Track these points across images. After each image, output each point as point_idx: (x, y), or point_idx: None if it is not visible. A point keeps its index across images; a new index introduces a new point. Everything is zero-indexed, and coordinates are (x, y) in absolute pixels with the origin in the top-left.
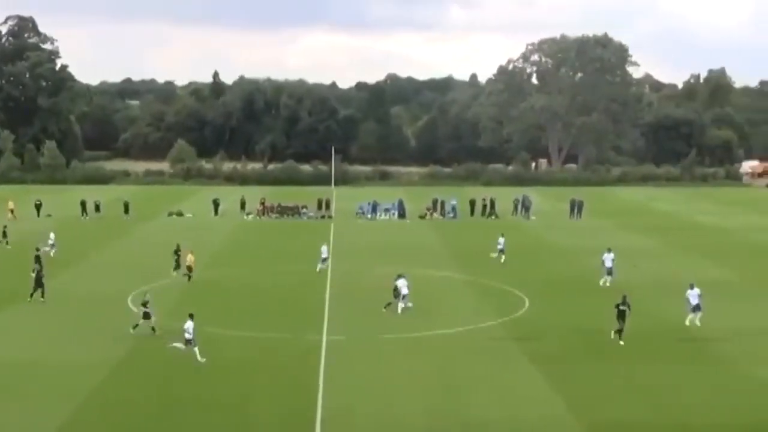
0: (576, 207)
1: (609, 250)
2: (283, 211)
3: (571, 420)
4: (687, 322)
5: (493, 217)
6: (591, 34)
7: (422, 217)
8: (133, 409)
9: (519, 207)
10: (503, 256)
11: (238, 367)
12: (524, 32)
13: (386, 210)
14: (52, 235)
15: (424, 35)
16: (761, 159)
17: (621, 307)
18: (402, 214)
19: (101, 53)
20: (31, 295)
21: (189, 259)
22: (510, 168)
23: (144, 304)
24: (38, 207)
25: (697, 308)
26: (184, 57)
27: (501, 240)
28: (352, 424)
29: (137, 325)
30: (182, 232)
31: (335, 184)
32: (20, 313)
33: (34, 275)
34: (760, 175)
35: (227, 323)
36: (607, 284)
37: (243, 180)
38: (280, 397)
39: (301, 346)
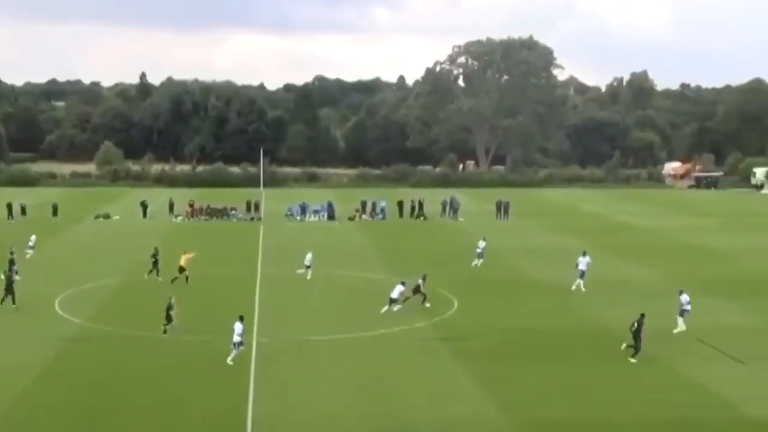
0: (503, 208)
1: (584, 254)
2: (212, 213)
3: (501, 419)
4: (684, 328)
5: (421, 218)
6: (516, 37)
7: (351, 218)
8: (62, 412)
9: (447, 208)
10: (481, 261)
11: (167, 370)
12: (450, 34)
13: (315, 212)
14: (33, 238)
15: (351, 37)
16: (683, 161)
17: (635, 325)
18: (331, 216)
19: (26, 53)
20: (1, 302)
21: (183, 259)
22: (438, 169)
23: (169, 307)
24: None
25: (683, 312)
26: (110, 58)
27: (481, 244)
28: (283, 426)
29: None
30: (110, 235)
31: (264, 186)
32: None
33: (4, 279)
34: (682, 176)
35: (155, 327)
36: (582, 289)
37: (171, 182)
38: (210, 401)
39: (229, 349)
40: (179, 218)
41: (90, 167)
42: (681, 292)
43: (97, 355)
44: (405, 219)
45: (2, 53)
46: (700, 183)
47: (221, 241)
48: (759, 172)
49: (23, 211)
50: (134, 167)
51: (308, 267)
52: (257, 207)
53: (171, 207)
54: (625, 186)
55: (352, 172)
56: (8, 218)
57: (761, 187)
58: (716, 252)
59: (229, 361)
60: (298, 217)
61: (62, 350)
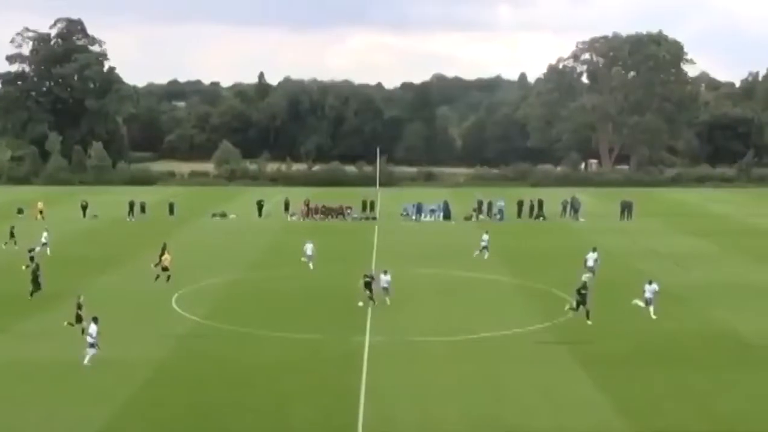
0: (626, 209)
1: (594, 250)
2: (327, 212)
3: (621, 428)
4: (653, 316)
5: (541, 218)
6: (644, 32)
7: (468, 218)
8: (174, 408)
9: (568, 208)
10: (486, 253)
11: (277, 369)
12: (574, 31)
13: (431, 211)
14: (45, 234)
15: (471, 34)
16: None
17: (582, 291)
18: (447, 216)
19: (148, 55)
20: (31, 294)
21: (165, 258)
22: (559, 169)
23: (79, 307)
24: (84, 208)
25: (648, 302)
26: (229, 58)
27: (485, 237)
28: (394, 428)
29: (74, 326)
30: (226, 233)
31: (380, 186)
32: (60, 313)
33: (30, 276)
34: None
35: (270, 324)
36: (591, 281)
37: (287, 181)
38: (320, 402)
39: (344, 348)
40: (294, 217)
41: (208, 166)
42: (650, 282)
43: (211, 352)
44: (524, 219)
45: (125, 55)
46: None
47: (336, 240)
48: None
49: (143, 209)
50: (251, 166)
51: (310, 256)
52: (373, 206)
53: (286, 206)
54: (759, 186)
55: (469, 171)
56: (129, 216)
57: None
58: None
59: (85, 362)
60: (414, 217)
61: (177, 347)
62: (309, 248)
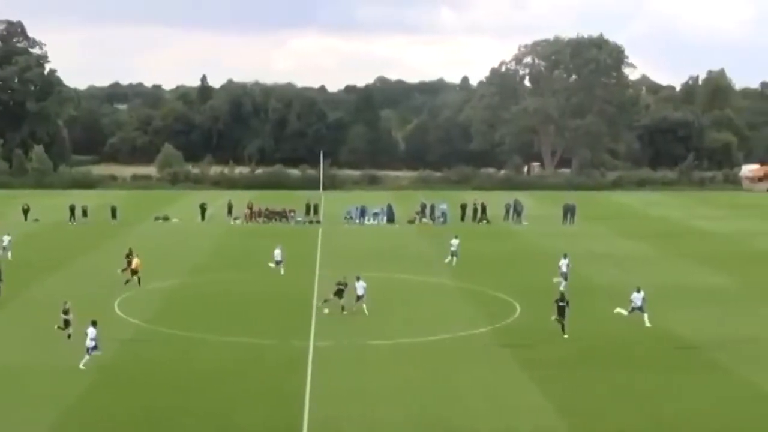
0: (569, 212)
1: (565, 256)
2: (270, 215)
3: (564, 430)
4: (647, 323)
5: (484, 222)
6: (586, 36)
7: (411, 222)
8: (118, 413)
9: (511, 212)
10: (455, 259)
11: (222, 373)
12: (516, 34)
13: (375, 215)
14: (6, 238)
15: (414, 38)
16: (762, 163)
17: (560, 303)
18: (391, 219)
19: (89, 57)
20: None
21: (135, 262)
22: (502, 172)
23: (65, 312)
24: (26, 212)
25: (640, 310)
26: (171, 61)
27: (454, 242)
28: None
29: (62, 328)
30: (169, 237)
31: (324, 189)
32: (4, 317)
33: None
34: (761, 179)
35: (213, 329)
36: (561, 288)
37: (230, 184)
38: (265, 406)
39: (288, 353)
40: (238, 221)
41: (150, 170)
42: (638, 290)
43: (154, 356)
44: (467, 222)
45: (66, 58)
46: None
47: (279, 244)
48: None
49: (84, 213)
50: (194, 170)
51: (279, 263)
52: (316, 210)
53: (230, 209)
54: (699, 189)
55: (412, 174)
56: (70, 220)
57: None
58: None
59: (81, 365)
60: (357, 220)
61: (121, 351)
62: (278, 253)
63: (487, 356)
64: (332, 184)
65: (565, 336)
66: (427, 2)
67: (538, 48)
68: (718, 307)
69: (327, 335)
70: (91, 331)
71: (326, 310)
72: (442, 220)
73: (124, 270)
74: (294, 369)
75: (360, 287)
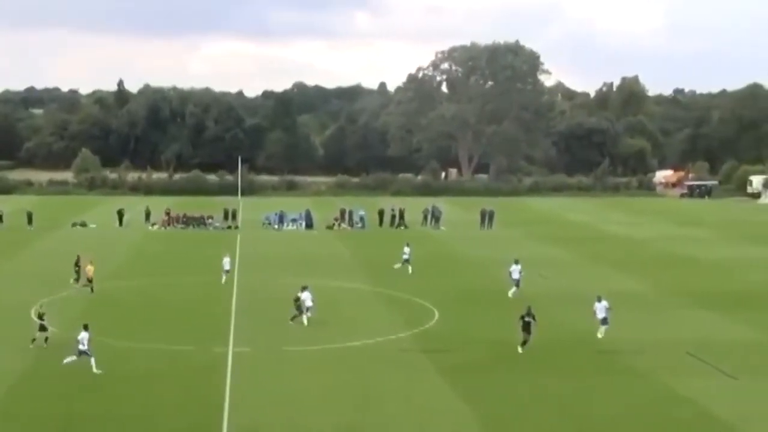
0: (487, 217)
1: (516, 262)
2: (188, 221)
3: None
4: (599, 335)
5: (402, 227)
6: (502, 42)
7: (330, 227)
8: (37, 421)
9: (429, 217)
10: (409, 267)
11: (142, 380)
12: (433, 40)
13: (293, 220)
14: None
15: (332, 42)
16: (675, 169)
17: (526, 319)
18: (309, 225)
19: (3, 61)
20: None
21: (89, 270)
22: (419, 177)
23: (40, 317)
24: None
25: (604, 321)
26: (88, 65)
27: (406, 249)
28: None
29: (35, 339)
30: (86, 243)
31: (242, 194)
32: None
33: None
34: (674, 185)
35: (131, 335)
36: (515, 295)
37: (148, 190)
38: (185, 411)
39: (207, 359)
40: (155, 226)
41: (67, 175)
42: (599, 299)
43: (72, 363)
44: (385, 228)
45: None
46: (692, 191)
47: (197, 250)
48: (756, 180)
49: (0, 218)
50: (111, 175)
51: (227, 271)
52: (234, 215)
53: (147, 215)
54: (614, 195)
55: (330, 180)
56: None
57: (758, 195)
58: (708, 263)
59: (95, 370)
60: (276, 226)
61: (38, 359)
62: (227, 262)
63: (406, 362)
64: (250, 190)
65: (520, 350)
66: (343, 7)
67: (454, 54)
68: (634, 311)
69: (246, 341)
70: (83, 335)
71: (306, 317)
72: (360, 225)
73: (76, 279)
74: (214, 375)
75: (307, 297)
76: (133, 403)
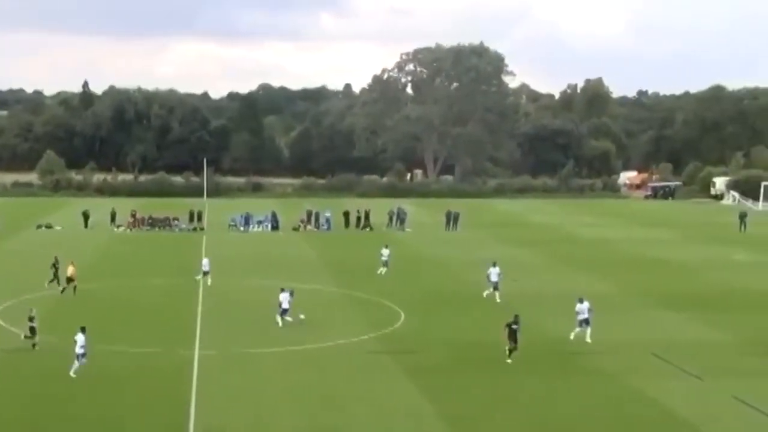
0: (452, 219)
1: (494, 264)
2: (154, 223)
3: None
4: (572, 336)
5: (368, 229)
6: (467, 44)
7: (296, 229)
8: (2, 426)
9: (394, 219)
10: (384, 269)
11: (108, 382)
12: (399, 41)
13: (259, 222)
14: None
15: (297, 44)
16: (639, 170)
17: (513, 327)
18: (275, 227)
19: None
20: None
21: (70, 270)
22: (385, 179)
23: (30, 319)
24: None
25: (586, 323)
26: (53, 66)
27: (385, 251)
28: None
29: (27, 336)
30: (52, 245)
31: (207, 196)
32: None
33: None
34: (638, 186)
35: (97, 337)
36: (497, 300)
37: (113, 192)
38: (152, 413)
39: (174, 361)
40: (121, 228)
41: (32, 177)
42: (581, 300)
43: (38, 366)
44: (351, 230)
45: None
46: (656, 193)
47: (163, 252)
48: (719, 181)
49: None
50: (76, 177)
51: (206, 273)
52: (200, 217)
53: (113, 217)
54: (579, 196)
55: (296, 181)
56: None
57: (721, 197)
58: (672, 264)
59: (71, 373)
60: (242, 228)
61: (3, 361)
62: (206, 263)
63: (372, 363)
64: (216, 192)
65: (509, 361)
66: (308, 9)
67: (419, 55)
68: (599, 312)
69: (212, 344)
70: (80, 338)
71: (302, 316)
72: (326, 227)
73: (51, 281)
74: (180, 377)
75: (284, 299)
76: (100, 405)
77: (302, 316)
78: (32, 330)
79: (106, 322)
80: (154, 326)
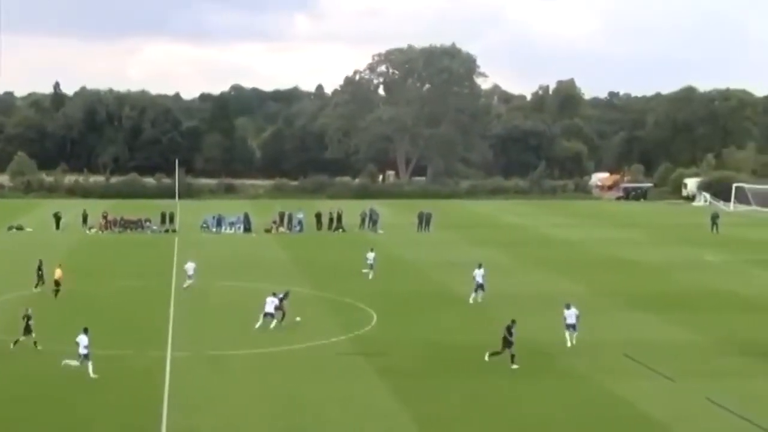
0: (425, 220)
1: (480, 266)
2: (126, 224)
3: None
4: (569, 343)
5: (340, 230)
6: (439, 45)
7: (268, 230)
8: None
9: (366, 220)
10: (371, 273)
11: (80, 383)
12: (371, 43)
13: (231, 224)
14: None
15: (269, 45)
16: (611, 171)
17: (511, 331)
18: (248, 228)
19: None
20: None
21: (58, 273)
22: (357, 180)
23: (27, 318)
24: None
25: (573, 328)
26: (23, 67)
27: (370, 255)
28: None
29: (17, 340)
30: (23, 247)
31: (179, 198)
32: None
33: None
34: (610, 187)
35: (69, 339)
36: (479, 300)
37: (85, 193)
38: (123, 414)
39: (145, 363)
40: (93, 230)
41: (3, 178)
42: (568, 306)
43: (7, 369)
44: (323, 231)
45: None
46: (628, 194)
47: (135, 254)
48: (690, 183)
49: None
50: (47, 178)
51: (190, 276)
52: (172, 219)
53: (84, 219)
54: (551, 197)
55: (268, 183)
56: None
57: (692, 198)
58: (643, 265)
59: (92, 375)
60: (214, 229)
61: None
62: (190, 266)
63: (344, 365)
64: (188, 193)
65: (514, 366)
66: (280, 10)
67: (391, 57)
68: None
69: (184, 345)
70: (83, 339)
71: (297, 318)
72: (298, 228)
73: (37, 285)
74: (151, 379)
75: (270, 304)
76: (69, 407)
77: (298, 319)
78: (28, 328)
79: (77, 324)
80: (126, 328)
